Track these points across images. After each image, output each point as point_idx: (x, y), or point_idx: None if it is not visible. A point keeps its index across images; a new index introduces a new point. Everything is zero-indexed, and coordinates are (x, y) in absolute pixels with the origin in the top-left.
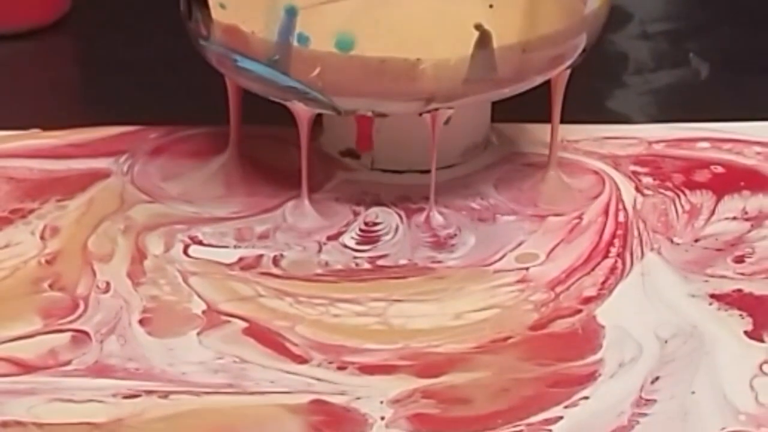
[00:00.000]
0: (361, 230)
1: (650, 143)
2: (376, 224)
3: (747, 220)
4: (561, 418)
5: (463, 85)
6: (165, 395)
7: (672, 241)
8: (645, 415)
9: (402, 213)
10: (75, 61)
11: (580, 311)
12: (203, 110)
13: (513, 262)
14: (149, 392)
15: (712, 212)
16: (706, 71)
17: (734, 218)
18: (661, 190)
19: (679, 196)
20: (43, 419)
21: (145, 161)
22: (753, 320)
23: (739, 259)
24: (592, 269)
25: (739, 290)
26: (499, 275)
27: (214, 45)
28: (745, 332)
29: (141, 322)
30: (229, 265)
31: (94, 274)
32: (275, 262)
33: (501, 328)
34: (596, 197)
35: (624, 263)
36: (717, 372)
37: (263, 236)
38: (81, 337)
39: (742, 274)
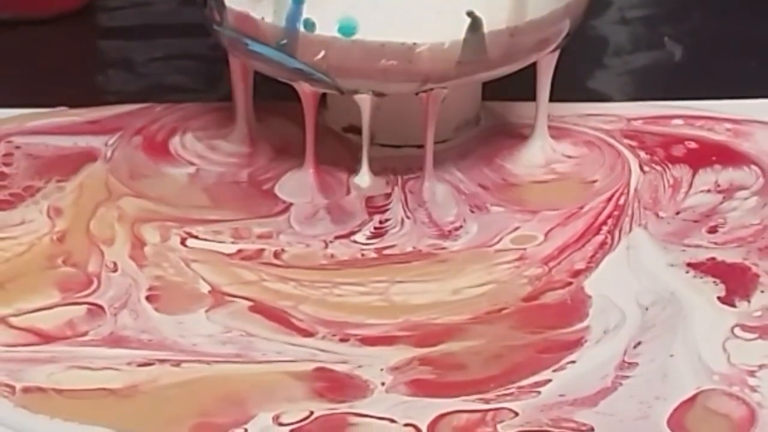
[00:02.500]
0: (374, 228)
1: (629, 120)
2: (387, 220)
3: (719, 192)
4: (549, 380)
5: (456, 66)
6: (177, 364)
7: (658, 216)
8: (627, 377)
9: (399, 183)
10: (101, 45)
11: (570, 284)
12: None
13: (512, 244)
14: (162, 361)
15: (690, 186)
16: (679, 53)
17: (708, 191)
18: (653, 165)
19: (665, 171)
20: (62, 385)
21: (125, 152)
22: (725, 286)
23: (713, 230)
24: (583, 245)
25: (713, 258)
26: (499, 254)
27: (226, 30)
28: (718, 298)
29: (149, 299)
30: (229, 255)
31: (102, 254)
32: (276, 255)
33: (496, 301)
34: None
35: (613, 239)
36: (693, 336)
37: (264, 236)
38: (96, 310)
39: (716, 243)
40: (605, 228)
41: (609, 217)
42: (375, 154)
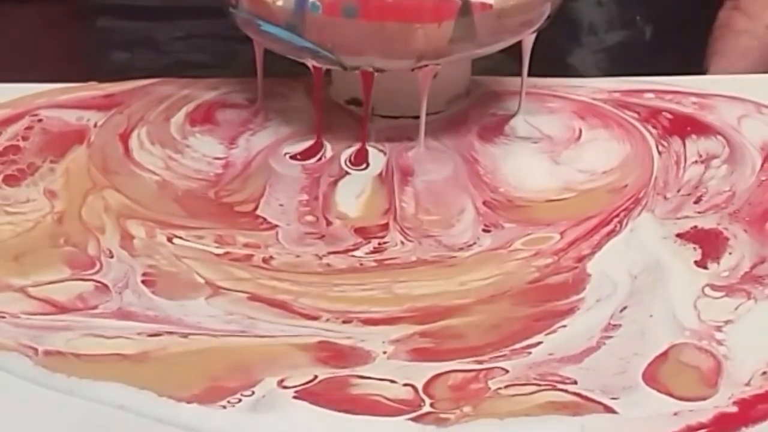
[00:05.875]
0: (373, 248)
1: (609, 92)
2: (386, 242)
3: (702, 162)
4: (541, 342)
5: (449, 45)
6: (185, 335)
7: (665, 198)
8: (611, 337)
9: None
10: (128, 24)
11: (575, 268)
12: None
13: (526, 246)
14: (170, 333)
15: (685, 159)
16: (649, 32)
17: (695, 162)
18: (661, 141)
19: (669, 146)
20: (79, 350)
21: (105, 139)
22: (702, 251)
23: (698, 200)
24: (593, 236)
25: (695, 227)
26: (513, 253)
27: (242, 12)
28: (695, 261)
29: (145, 283)
30: (218, 255)
31: (98, 240)
32: (266, 261)
33: (502, 287)
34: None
35: (621, 226)
36: (670, 297)
37: (250, 245)
38: (102, 288)
39: (698, 212)
40: (617, 219)
41: (624, 210)
42: (374, 125)
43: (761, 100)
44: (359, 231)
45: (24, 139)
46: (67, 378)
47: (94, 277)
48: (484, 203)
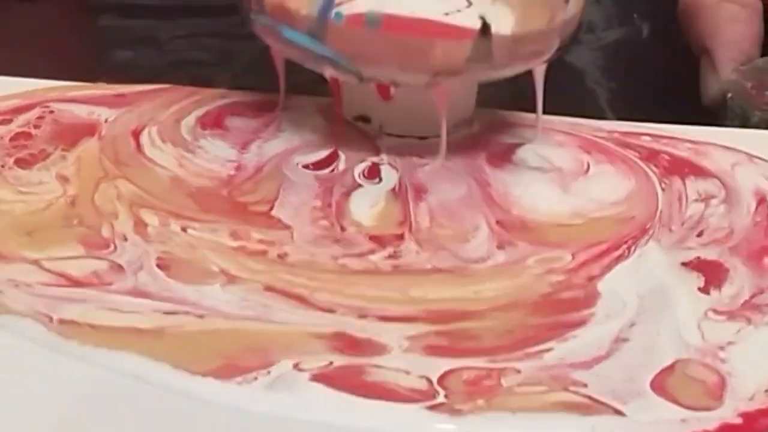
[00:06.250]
0: (388, 255)
1: (608, 132)
2: (400, 249)
3: (702, 201)
4: (552, 349)
5: (465, 63)
6: (200, 316)
7: (670, 230)
8: (620, 348)
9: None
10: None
11: (586, 286)
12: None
13: (538, 264)
14: (186, 313)
15: (686, 197)
16: (647, 29)
17: (696, 200)
18: (663, 180)
19: (671, 185)
20: (95, 322)
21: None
22: (705, 279)
23: (700, 233)
24: (602, 259)
25: (698, 257)
26: (527, 269)
27: (263, 18)
28: (698, 288)
29: (159, 267)
30: (233, 248)
31: (111, 224)
32: (281, 257)
33: (516, 298)
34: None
35: (629, 252)
36: (676, 318)
37: (264, 242)
38: (117, 267)
39: (701, 244)
40: (625, 245)
41: (632, 237)
42: (384, 142)
43: (752, 152)
44: (374, 239)
45: (36, 127)
46: (81, 346)
47: (108, 257)
48: (497, 222)
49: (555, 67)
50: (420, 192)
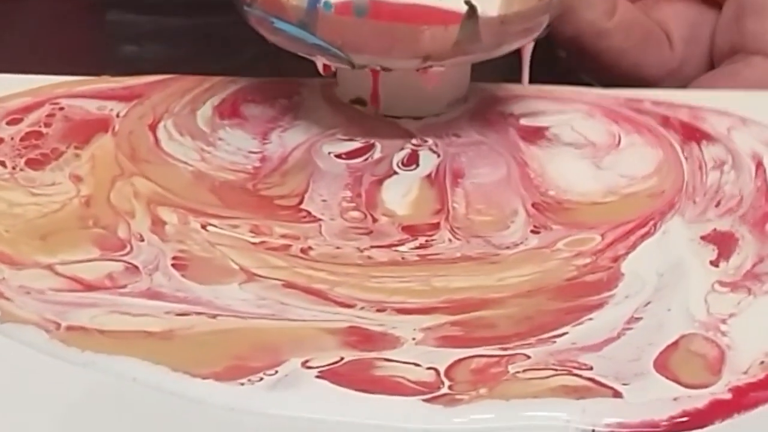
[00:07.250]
0: (419, 245)
1: (615, 99)
2: (433, 239)
3: (717, 168)
4: (566, 333)
5: (453, 47)
6: (213, 316)
7: (694, 202)
8: (631, 329)
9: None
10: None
11: (610, 267)
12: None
13: (567, 247)
14: (198, 313)
15: (705, 164)
16: None
17: (713, 167)
18: (683, 146)
19: (691, 152)
20: (104, 327)
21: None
22: (717, 251)
23: (718, 203)
24: (629, 237)
25: (715, 229)
26: (555, 253)
27: (255, 10)
28: (710, 261)
29: (175, 267)
30: (254, 244)
31: (128, 223)
32: (304, 251)
33: (540, 283)
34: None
35: (655, 229)
36: (687, 292)
37: (288, 237)
38: (132, 269)
39: (718, 215)
40: (652, 222)
41: (659, 213)
42: (378, 123)
43: (744, 114)
44: (407, 229)
45: (46, 125)
46: (82, 352)
47: (124, 259)
48: (533, 205)
49: (550, 66)
50: (457, 177)
